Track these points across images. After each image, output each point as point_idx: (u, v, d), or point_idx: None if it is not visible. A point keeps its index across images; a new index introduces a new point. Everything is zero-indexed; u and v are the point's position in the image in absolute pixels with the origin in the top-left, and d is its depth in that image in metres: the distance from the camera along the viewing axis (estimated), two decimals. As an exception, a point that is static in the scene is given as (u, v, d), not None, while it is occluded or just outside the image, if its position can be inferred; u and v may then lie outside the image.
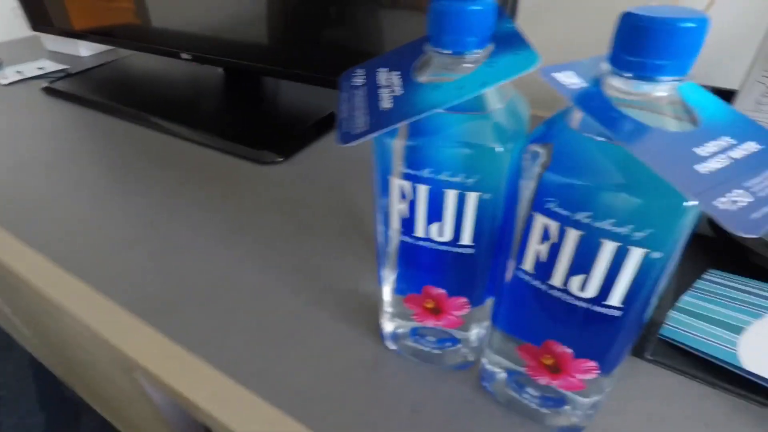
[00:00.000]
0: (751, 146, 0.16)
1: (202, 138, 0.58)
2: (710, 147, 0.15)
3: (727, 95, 0.37)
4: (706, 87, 0.47)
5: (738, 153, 0.15)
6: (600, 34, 0.56)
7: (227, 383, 0.30)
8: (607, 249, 0.17)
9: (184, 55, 0.67)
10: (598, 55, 0.18)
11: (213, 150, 0.56)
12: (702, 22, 0.14)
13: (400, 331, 0.30)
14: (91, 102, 0.69)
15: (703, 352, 0.28)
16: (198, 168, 0.53)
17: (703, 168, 0.14)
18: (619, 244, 0.17)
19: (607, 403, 0.27)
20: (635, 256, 0.17)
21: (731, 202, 0.13)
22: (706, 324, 0.29)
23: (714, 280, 0.33)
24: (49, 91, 0.74)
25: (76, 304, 0.36)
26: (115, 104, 0.67)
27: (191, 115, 0.63)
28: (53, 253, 0.41)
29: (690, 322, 0.30)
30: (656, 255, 0.17)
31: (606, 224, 0.17)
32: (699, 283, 0.33)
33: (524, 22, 0.58)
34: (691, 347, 0.28)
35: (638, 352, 0.29)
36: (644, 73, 0.15)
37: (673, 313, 0.30)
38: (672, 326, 0.29)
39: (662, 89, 0.16)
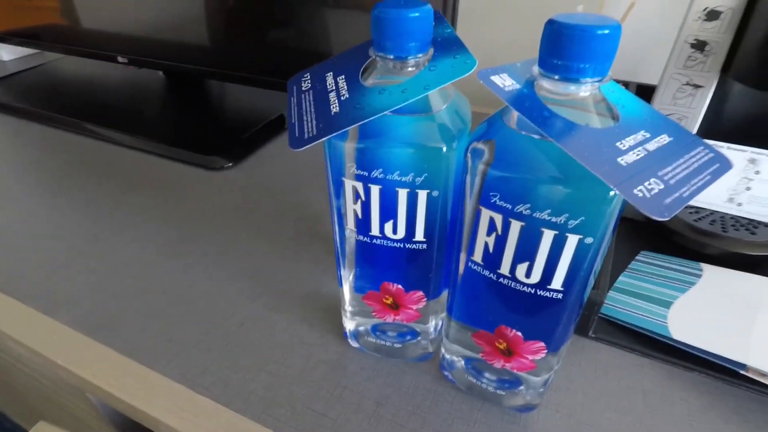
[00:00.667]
0: (663, 139, 0.17)
1: (147, 145, 0.56)
2: (629, 141, 0.17)
3: (650, 90, 0.41)
4: (632, 83, 0.51)
5: (652, 145, 0.17)
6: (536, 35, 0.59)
7: (187, 394, 0.29)
8: (547, 237, 0.19)
9: (120, 59, 0.64)
10: (531, 58, 0.19)
11: (158, 157, 0.54)
12: (615, 29, 0.16)
13: (361, 328, 0.30)
14: (18, 110, 0.65)
15: (638, 327, 0.30)
16: (143, 177, 0.51)
17: (624, 160, 0.16)
18: (556, 232, 0.18)
19: (556, 380, 0.29)
20: (571, 242, 0.18)
21: (647, 189, 0.15)
22: (640, 301, 0.32)
23: (646, 261, 0.36)
24: (-31, 100, 0.69)
25: (17, 327, 0.34)
26: (47, 112, 0.63)
27: (132, 121, 0.60)
28: (-14, 274, 0.38)
29: (626, 300, 0.32)
30: (589, 240, 0.18)
31: (544, 214, 0.18)
32: (633, 264, 0.36)
33: (465, 24, 0.60)
34: (628, 323, 0.31)
35: (582, 331, 0.31)
36: (568, 75, 0.17)
37: (611, 293, 0.33)
38: (611, 305, 0.32)
39: (586, 89, 0.17)
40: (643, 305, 0.31)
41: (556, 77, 0.17)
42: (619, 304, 0.32)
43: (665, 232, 0.38)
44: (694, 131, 0.38)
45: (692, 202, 0.38)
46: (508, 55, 0.62)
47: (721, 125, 0.38)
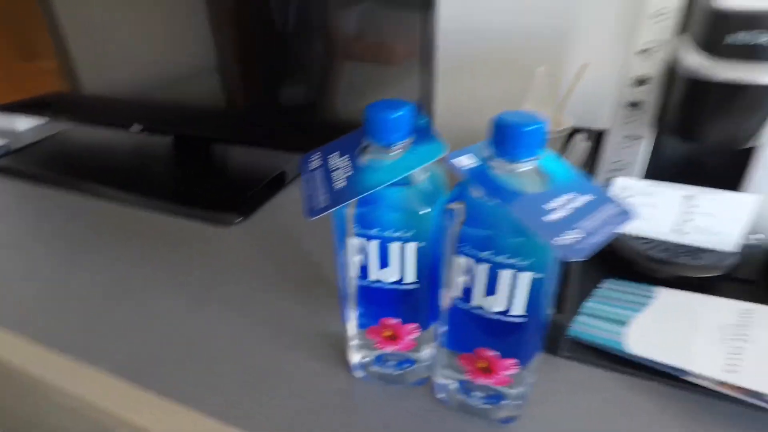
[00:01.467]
0: (587, 198, 0.24)
1: (162, 206, 0.61)
2: (557, 202, 0.23)
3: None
4: (589, 129, 0.58)
5: (578, 203, 0.23)
6: (506, 85, 0.68)
7: (222, 429, 0.33)
8: (506, 275, 0.24)
9: (134, 128, 0.71)
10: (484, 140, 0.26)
11: (172, 216, 0.60)
12: (542, 125, 0.22)
13: (365, 360, 0.35)
14: (40, 177, 0.70)
15: (600, 344, 0.36)
16: (161, 235, 0.56)
17: (549, 218, 0.22)
18: (513, 271, 0.24)
19: (534, 395, 0.34)
20: (525, 278, 0.24)
21: (566, 239, 0.21)
22: (601, 322, 0.37)
23: (609, 287, 0.42)
24: (-8, 169, 0.74)
25: (61, 377, 0.38)
26: (67, 178, 0.68)
27: (145, 184, 0.66)
28: (32, 332, 0.43)
29: (590, 322, 0.38)
30: (539, 275, 0.24)
31: (503, 258, 0.24)
32: (597, 291, 0.41)
33: (443, 81, 0.68)
34: (593, 342, 0.36)
35: (554, 351, 0.36)
36: (510, 157, 0.23)
37: (579, 317, 0.38)
38: (578, 327, 0.37)
39: (524, 166, 0.23)
40: (604, 325, 0.37)
41: (501, 158, 0.23)
42: (585, 326, 0.37)
43: (625, 261, 0.44)
44: (640, 174, 0.44)
45: (645, 234, 0.44)
46: (486, 104, 0.70)
47: (661, 168, 0.45)
